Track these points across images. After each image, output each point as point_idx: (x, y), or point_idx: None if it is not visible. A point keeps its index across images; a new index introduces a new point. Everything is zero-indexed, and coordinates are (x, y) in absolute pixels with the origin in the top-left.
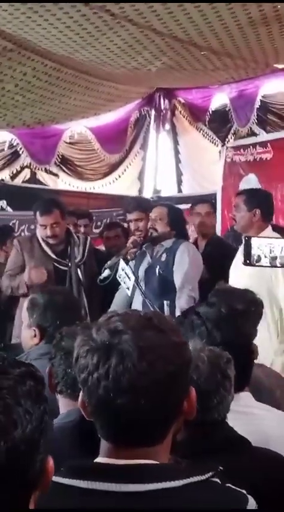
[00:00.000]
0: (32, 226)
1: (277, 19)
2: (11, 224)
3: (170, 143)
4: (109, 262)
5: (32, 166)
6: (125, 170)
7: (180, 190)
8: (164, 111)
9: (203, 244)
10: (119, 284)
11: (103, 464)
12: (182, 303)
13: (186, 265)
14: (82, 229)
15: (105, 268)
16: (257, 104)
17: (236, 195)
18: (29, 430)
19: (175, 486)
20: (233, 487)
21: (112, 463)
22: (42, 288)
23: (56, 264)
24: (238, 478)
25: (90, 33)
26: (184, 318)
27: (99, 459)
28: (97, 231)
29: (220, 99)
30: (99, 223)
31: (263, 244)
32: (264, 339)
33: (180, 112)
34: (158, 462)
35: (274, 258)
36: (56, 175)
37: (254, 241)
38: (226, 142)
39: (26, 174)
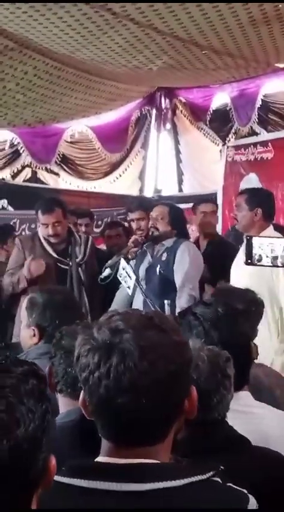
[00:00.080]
0: (33, 225)
1: (278, 18)
2: (11, 223)
3: (171, 142)
4: (110, 262)
5: (32, 166)
6: (126, 169)
7: (180, 190)
8: (165, 111)
9: (205, 244)
10: (120, 283)
11: (104, 463)
12: (182, 302)
13: (186, 264)
14: (83, 229)
15: (106, 268)
16: (258, 103)
17: (238, 194)
18: (31, 428)
19: (176, 485)
20: (234, 486)
21: (113, 462)
22: (41, 287)
23: (57, 263)
24: (238, 478)
25: (91, 32)
26: (181, 318)
27: (100, 458)
28: (98, 230)
29: (221, 98)
30: (99, 222)
31: (265, 243)
32: (264, 339)
33: (181, 111)
34: (159, 461)
35: (275, 258)
36: (56, 174)
37: (256, 240)
38: (227, 141)
39: (27, 173)
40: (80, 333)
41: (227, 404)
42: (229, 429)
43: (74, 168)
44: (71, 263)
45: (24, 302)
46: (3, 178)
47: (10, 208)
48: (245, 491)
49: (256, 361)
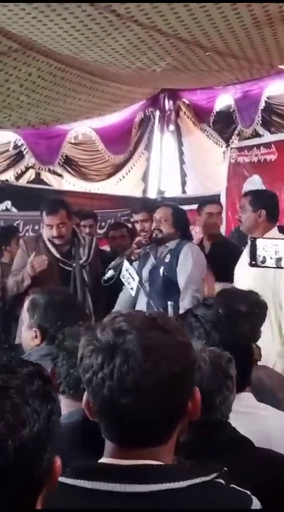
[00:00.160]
0: (36, 227)
1: (281, 20)
2: (15, 224)
3: (174, 144)
4: (113, 263)
5: (36, 167)
6: (129, 171)
7: (183, 191)
8: (168, 112)
9: (208, 245)
10: (123, 284)
11: (108, 464)
12: (186, 303)
13: (189, 266)
14: (87, 230)
15: (109, 269)
16: (261, 105)
17: (242, 196)
18: (36, 429)
19: (180, 487)
20: (237, 487)
21: (117, 464)
22: (42, 289)
23: (61, 264)
24: (241, 479)
25: (95, 34)
26: (182, 319)
27: (104, 459)
28: (101, 231)
29: (224, 100)
30: (103, 223)
31: (269, 245)
32: (267, 341)
33: (184, 113)
34: (162, 463)
35: (279, 259)
36: (60, 175)
37: (260, 242)
38: (230, 143)
39: (31, 174)
40: (83, 334)
41: (230, 405)
42: (232, 430)
43: (78, 169)
44: (74, 264)
45: (25, 303)
46: (6, 180)
47: (14, 209)
48: (248, 492)
49: (259, 363)
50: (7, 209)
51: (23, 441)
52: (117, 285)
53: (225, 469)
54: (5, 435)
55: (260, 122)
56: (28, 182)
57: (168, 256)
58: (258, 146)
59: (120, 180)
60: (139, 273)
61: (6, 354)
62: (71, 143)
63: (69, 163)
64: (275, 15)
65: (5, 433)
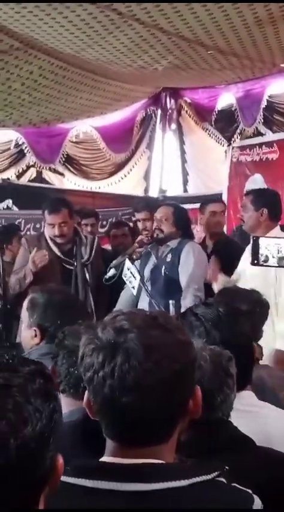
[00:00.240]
0: (38, 225)
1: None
2: (16, 223)
3: (176, 143)
4: (114, 262)
5: (37, 166)
6: (131, 170)
7: (185, 190)
8: (170, 111)
9: (211, 244)
10: (124, 283)
11: (109, 463)
12: (188, 302)
13: (191, 265)
14: (88, 229)
15: (111, 268)
16: (263, 104)
17: (244, 195)
18: (38, 427)
19: (181, 486)
20: (239, 486)
21: (118, 462)
22: (41, 288)
23: (62, 263)
24: (243, 478)
25: (96, 32)
26: (182, 318)
27: (105, 458)
28: (103, 230)
29: (226, 98)
30: (104, 222)
31: (271, 244)
32: (269, 340)
33: (186, 112)
34: (164, 462)
35: (281, 258)
36: (61, 174)
37: (262, 241)
38: (232, 142)
39: (32, 173)
40: (84, 333)
41: (230, 403)
42: (233, 429)
43: (79, 168)
44: (76, 263)
45: (25, 303)
46: (8, 178)
47: (15, 208)
48: (250, 491)
49: (260, 362)
50: (8, 208)
51: (25, 440)
52: (118, 284)
53: (226, 467)
54: (7, 434)
55: (262, 120)
56: (29, 181)
57: (170, 255)
58: (260, 145)
59: (122, 178)
60: (140, 272)
61: (7, 352)
62: (72, 142)
63: (71, 161)
64: (277, 14)
65: (7, 431)
